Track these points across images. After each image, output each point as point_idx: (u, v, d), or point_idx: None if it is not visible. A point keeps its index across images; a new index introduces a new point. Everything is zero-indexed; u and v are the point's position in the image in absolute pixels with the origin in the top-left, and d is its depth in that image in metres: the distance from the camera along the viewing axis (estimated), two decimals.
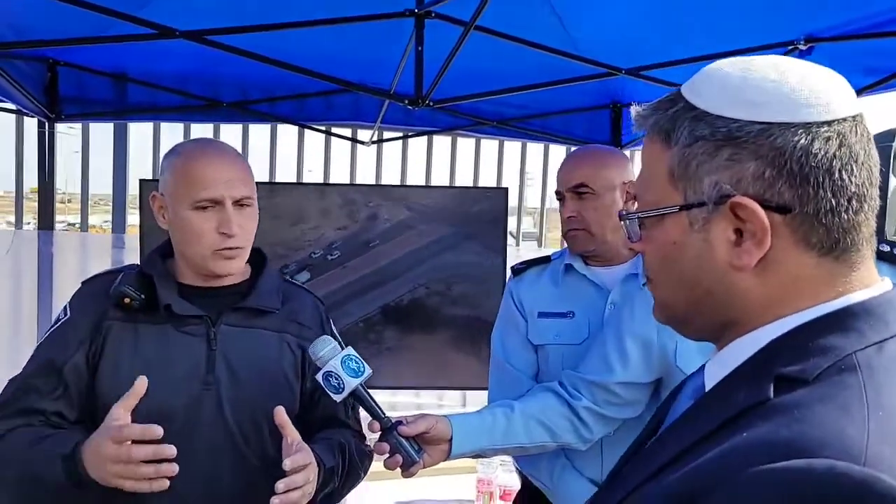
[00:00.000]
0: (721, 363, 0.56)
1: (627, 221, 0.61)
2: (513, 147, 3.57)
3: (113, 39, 1.76)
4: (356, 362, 1.05)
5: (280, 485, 0.98)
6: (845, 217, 0.51)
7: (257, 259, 1.22)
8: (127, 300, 1.09)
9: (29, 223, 3.10)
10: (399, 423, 1.08)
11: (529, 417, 1.22)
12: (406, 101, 1.97)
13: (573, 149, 2.47)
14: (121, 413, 0.97)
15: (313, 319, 1.21)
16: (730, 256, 0.53)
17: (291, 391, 1.16)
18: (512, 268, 1.51)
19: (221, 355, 1.10)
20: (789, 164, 0.50)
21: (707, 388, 0.57)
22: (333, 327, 1.25)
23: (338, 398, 1.05)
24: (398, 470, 1.11)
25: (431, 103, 1.98)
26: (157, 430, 0.95)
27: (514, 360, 1.40)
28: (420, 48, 1.89)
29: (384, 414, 1.08)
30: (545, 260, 1.47)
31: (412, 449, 1.07)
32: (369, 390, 1.09)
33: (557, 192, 1.40)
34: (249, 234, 1.14)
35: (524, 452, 1.27)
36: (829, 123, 0.51)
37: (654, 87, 2.11)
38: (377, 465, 1.15)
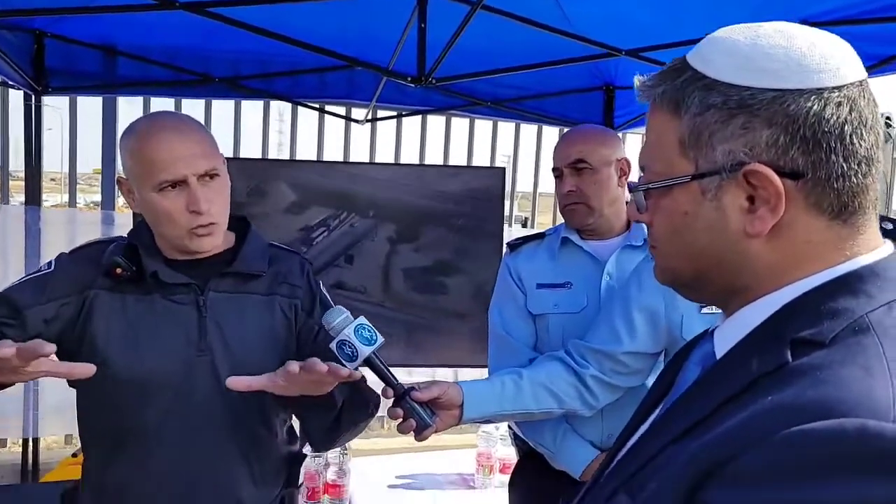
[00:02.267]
0: (732, 330, 0.56)
1: (637, 193, 0.61)
2: (506, 128, 3.58)
3: (111, 10, 1.72)
4: (369, 331, 1.06)
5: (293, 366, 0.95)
6: (855, 181, 0.52)
7: (241, 226, 1.21)
8: (119, 270, 1.08)
9: (16, 203, 3.01)
10: (412, 388, 1.10)
11: (537, 384, 1.25)
12: (409, 79, 1.96)
13: (566, 130, 2.50)
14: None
15: (302, 279, 1.20)
16: (743, 223, 0.53)
17: (287, 352, 1.15)
18: (508, 243, 1.54)
19: (213, 322, 1.10)
20: (803, 130, 0.50)
21: (718, 355, 0.57)
22: (322, 288, 1.25)
23: (351, 366, 1.06)
24: (402, 444, 1.12)
25: (434, 81, 1.98)
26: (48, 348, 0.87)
27: (513, 330, 1.43)
28: (423, 26, 1.88)
29: (397, 381, 1.10)
30: (540, 236, 1.51)
31: (425, 414, 1.10)
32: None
33: (555, 169, 1.44)
34: (221, 207, 1.11)
35: (531, 418, 1.30)
36: (839, 88, 0.51)
37: (649, 69, 2.13)
38: (381, 440, 1.16)
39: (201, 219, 1.07)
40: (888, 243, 0.56)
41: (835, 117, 0.50)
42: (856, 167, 0.51)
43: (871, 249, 0.53)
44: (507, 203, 3.16)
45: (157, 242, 1.14)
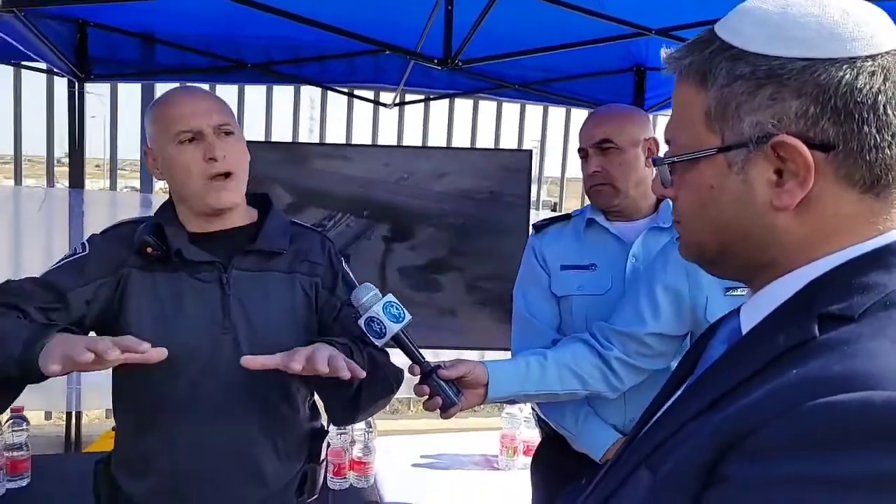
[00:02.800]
0: (758, 305, 0.55)
1: (662, 168, 0.60)
2: (534, 111, 3.55)
3: None
4: (397, 308, 1.08)
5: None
6: (888, 153, 0.50)
7: (263, 202, 1.24)
8: (149, 249, 1.12)
9: (60, 187, 3.13)
10: (438, 366, 1.12)
11: (562, 366, 1.25)
12: (435, 62, 1.97)
13: (592, 110, 2.46)
14: (113, 349, 0.90)
15: (323, 256, 1.22)
16: (770, 197, 0.52)
17: (308, 330, 1.18)
18: (534, 224, 1.54)
19: (237, 300, 1.13)
20: (833, 100, 0.49)
21: (744, 331, 0.56)
22: (345, 265, 1.27)
23: (379, 343, 1.08)
24: (427, 425, 1.14)
25: (461, 63, 1.98)
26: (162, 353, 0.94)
27: (537, 312, 1.44)
28: (450, 7, 1.88)
29: (424, 358, 1.11)
30: (566, 217, 1.51)
31: (451, 391, 1.11)
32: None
33: (580, 150, 1.42)
34: (238, 161, 1.14)
35: (555, 399, 1.30)
36: (872, 57, 0.49)
37: None
38: (407, 422, 1.17)
39: (217, 166, 1.11)
40: None
41: (868, 87, 0.49)
42: (889, 139, 0.49)
43: None
44: (534, 187, 3.14)
45: (180, 214, 1.18)
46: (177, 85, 3.05)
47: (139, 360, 0.94)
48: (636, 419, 1.43)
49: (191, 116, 1.11)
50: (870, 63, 0.49)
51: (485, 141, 3.41)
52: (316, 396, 1.25)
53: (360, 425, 1.88)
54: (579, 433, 1.37)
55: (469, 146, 3.34)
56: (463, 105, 3.31)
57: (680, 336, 1.30)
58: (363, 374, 1.02)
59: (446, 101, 3.22)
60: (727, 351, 0.56)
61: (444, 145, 3.25)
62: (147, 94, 2.94)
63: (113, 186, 3.22)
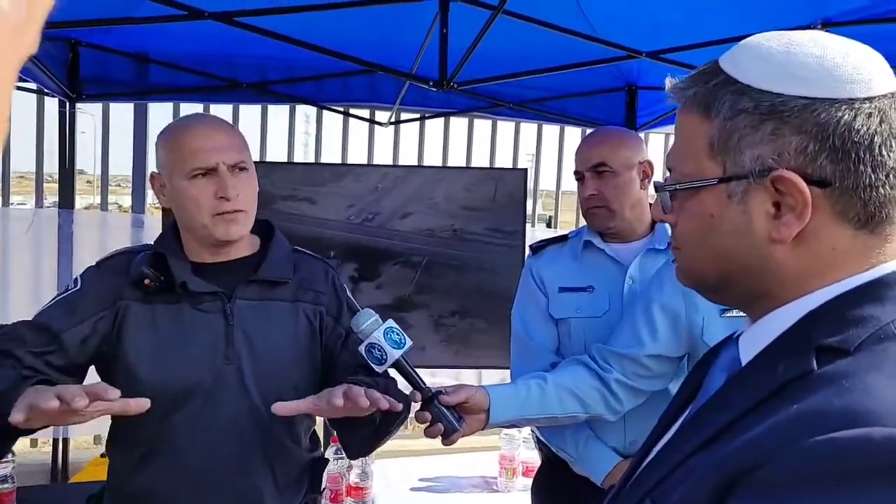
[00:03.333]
0: (756, 336, 0.57)
1: (663, 194, 0.61)
2: (528, 129, 3.57)
3: (141, 21, 1.77)
4: (398, 334, 1.07)
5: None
6: (882, 192, 0.52)
7: (266, 230, 1.23)
8: (147, 281, 1.10)
9: (49, 204, 3.10)
10: (440, 392, 1.11)
11: (562, 389, 1.25)
12: (430, 84, 1.98)
13: (588, 131, 2.48)
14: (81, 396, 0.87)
15: (326, 285, 1.21)
16: (768, 229, 0.53)
17: (312, 359, 1.17)
18: (531, 246, 1.54)
19: (240, 330, 1.12)
20: (832, 139, 0.51)
21: (743, 361, 0.57)
22: (348, 293, 1.26)
23: (380, 369, 1.07)
24: (425, 445, 1.13)
25: (456, 86, 1.99)
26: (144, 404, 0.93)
27: (536, 334, 1.44)
28: (445, 31, 1.89)
29: (425, 384, 1.10)
30: (563, 238, 1.51)
31: (453, 417, 1.10)
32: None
33: (576, 172, 1.44)
34: (249, 199, 1.14)
35: (556, 423, 1.29)
36: (870, 100, 0.51)
37: (670, 70, 2.12)
38: (403, 442, 1.16)
39: (228, 205, 1.10)
40: None
41: (865, 128, 0.51)
42: (884, 178, 0.51)
43: None
44: (529, 202, 3.15)
45: (185, 244, 1.16)
46: (170, 105, 3.07)
47: (118, 411, 0.91)
48: (637, 441, 1.43)
49: (207, 152, 1.09)
50: (867, 105, 0.51)
51: (480, 157, 3.42)
52: (317, 426, 1.24)
53: None
54: (580, 456, 1.37)
55: (465, 163, 3.35)
56: (458, 123, 3.32)
57: (677, 357, 1.30)
58: (400, 406, 1.00)
59: (441, 119, 3.23)
60: (726, 382, 0.57)
61: (440, 163, 3.25)
62: (140, 113, 2.93)
63: (104, 206, 3.19)
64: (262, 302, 1.15)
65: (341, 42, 2.15)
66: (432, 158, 3.25)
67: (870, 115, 0.51)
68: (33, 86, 2.35)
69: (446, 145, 3.36)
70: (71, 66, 2.40)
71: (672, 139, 0.65)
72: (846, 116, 0.51)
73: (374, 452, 1.97)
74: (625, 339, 1.29)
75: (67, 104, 2.56)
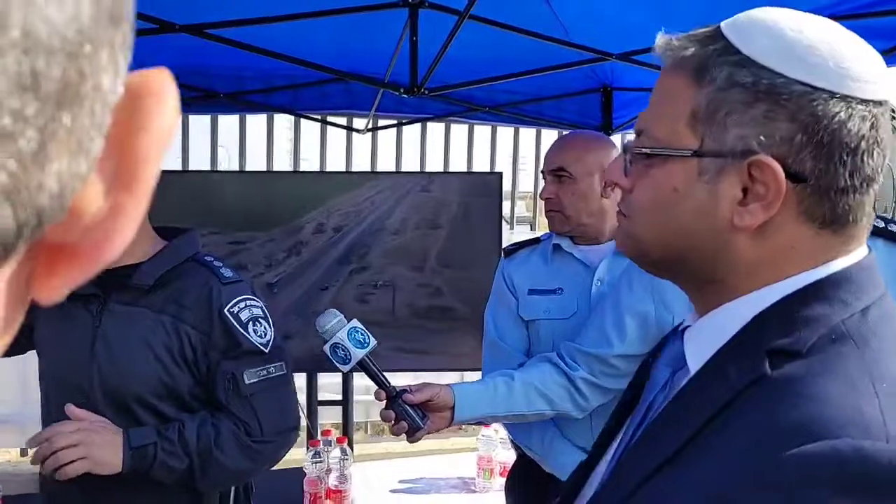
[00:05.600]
0: (703, 333, 0.55)
1: (626, 155, 0.57)
2: (505, 132, 3.61)
3: None
4: (362, 334, 1.10)
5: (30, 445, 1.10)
6: (854, 198, 0.50)
7: (175, 237, 1.21)
8: None
9: None
10: (404, 391, 1.13)
11: (529, 386, 1.27)
12: (401, 91, 2.01)
13: (565, 133, 2.52)
14: None
15: (198, 301, 1.16)
16: (731, 214, 0.50)
17: (166, 370, 1.14)
18: (504, 249, 1.56)
19: (102, 332, 1.16)
20: (822, 134, 0.48)
21: (688, 359, 0.55)
22: (233, 317, 1.16)
23: (345, 369, 1.10)
24: (399, 448, 1.16)
25: (427, 92, 2.02)
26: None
27: (506, 336, 1.46)
28: (414, 38, 1.92)
29: (389, 383, 1.13)
30: (535, 241, 1.53)
31: (417, 416, 1.13)
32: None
33: (542, 173, 1.47)
34: None
35: (523, 420, 1.31)
36: (866, 102, 0.49)
37: (644, 71, 2.16)
38: (383, 445, 1.19)
39: None
40: (864, 245, 0.54)
41: (856, 130, 0.48)
42: (858, 184, 0.49)
43: (848, 253, 0.52)
44: (507, 204, 3.17)
45: None
46: None
47: None
48: None
49: None
50: (863, 107, 0.49)
51: (457, 163, 3.45)
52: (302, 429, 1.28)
53: (335, 452, 1.87)
54: (545, 454, 1.39)
55: (442, 168, 3.38)
56: (435, 128, 3.36)
57: (646, 355, 1.32)
58: (68, 473, 1.05)
59: (419, 125, 3.26)
60: (681, 391, 0.55)
61: (418, 168, 3.28)
62: None
63: None
64: (131, 308, 1.16)
65: (316, 51, 2.17)
66: (410, 164, 3.28)
67: (863, 117, 0.48)
68: None
69: (423, 151, 3.39)
70: None
71: None
72: (842, 114, 0.48)
73: (354, 455, 2.00)
74: (592, 338, 1.31)
75: None
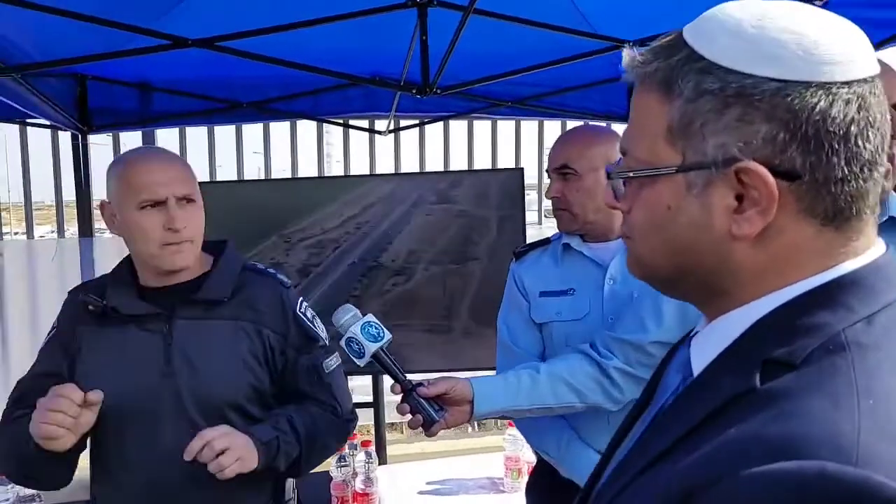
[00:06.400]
0: (708, 341, 0.53)
1: (615, 180, 0.56)
2: (530, 126, 3.56)
3: (130, 53, 1.84)
4: (376, 328, 1.11)
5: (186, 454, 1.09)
6: (855, 186, 0.47)
7: (219, 250, 1.28)
8: (91, 307, 1.19)
9: (72, 232, 3.25)
10: (420, 384, 1.12)
11: (556, 378, 1.23)
12: (414, 91, 2.00)
13: (593, 124, 2.47)
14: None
15: (273, 306, 1.25)
16: (729, 225, 0.49)
17: (255, 375, 1.21)
18: (514, 251, 1.52)
19: (178, 348, 1.17)
20: (805, 127, 0.46)
21: (693, 365, 0.54)
22: (302, 313, 1.28)
23: (360, 363, 1.12)
24: (435, 448, 1.16)
25: (439, 91, 2.00)
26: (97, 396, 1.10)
27: (520, 340, 1.42)
28: (424, 37, 1.91)
29: (405, 376, 1.12)
30: (545, 242, 1.49)
31: (432, 409, 1.11)
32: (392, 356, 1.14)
33: (547, 171, 1.42)
34: (196, 229, 1.20)
35: (550, 413, 1.26)
36: (848, 84, 0.46)
37: None
38: (405, 447, 1.19)
39: (175, 236, 1.16)
40: (879, 244, 0.51)
41: (841, 116, 0.46)
42: (857, 171, 0.47)
43: (857, 255, 0.49)
44: (536, 199, 3.12)
45: (137, 269, 1.24)
46: (176, 130, 3.17)
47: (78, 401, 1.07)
48: None
49: (157, 185, 1.16)
50: (845, 90, 0.46)
51: (482, 160, 3.42)
52: None
53: (360, 456, 1.89)
54: (562, 458, 1.35)
55: (466, 166, 3.35)
56: (458, 126, 3.34)
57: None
58: (227, 475, 1.10)
59: (441, 124, 3.25)
60: (679, 395, 0.55)
61: (442, 168, 3.27)
62: (148, 140, 3.04)
63: None
64: (202, 321, 1.20)
65: (333, 57, 2.19)
66: (434, 163, 3.27)
67: (848, 101, 0.46)
68: (46, 122, 2.46)
69: (447, 149, 3.37)
70: (80, 99, 2.51)
71: None
72: (822, 103, 0.46)
73: (388, 456, 2.02)
74: (629, 325, 1.26)
75: (80, 137, 2.68)
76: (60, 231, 3.21)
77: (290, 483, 1.33)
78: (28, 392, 1.19)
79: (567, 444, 1.35)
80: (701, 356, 0.54)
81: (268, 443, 1.15)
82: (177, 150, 3.22)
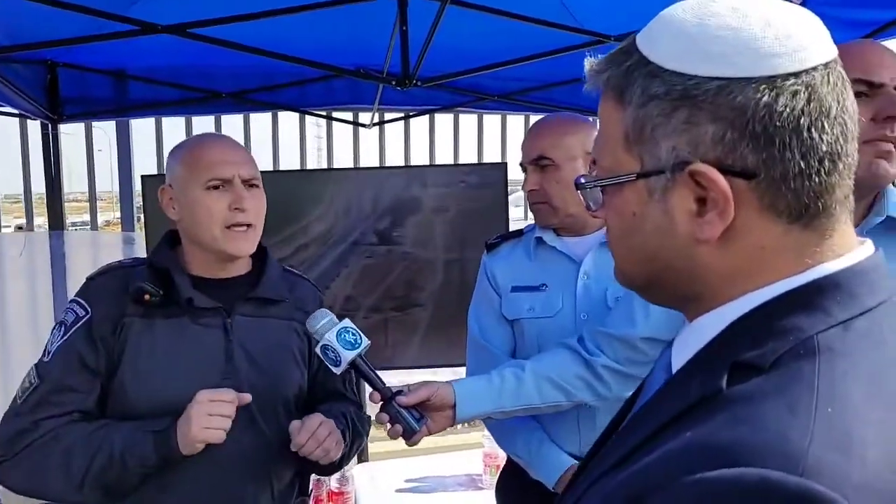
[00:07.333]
0: (686, 343, 0.53)
1: (586, 189, 0.56)
2: (516, 121, 3.52)
3: (98, 38, 1.79)
4: (353, 334, 1.07)
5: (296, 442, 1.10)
6: (816, 180, 0.46)
7: (259, 251, 1.24)
8: (147, 296, 1.11)
9: (41, 226, 3.17)
10: (399, 392, 1.09)
11: (541, 377, 1.20)
12: (394, 82, 1.96)
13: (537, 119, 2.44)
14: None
15: (315, 306, 1.24)
16: (692, 228, 0.48)
17: (301, 374, 1.21)
18: (486, 243, 1.46)
19: (239, 345, 1.14)
20: (752, 124, 0.45)
21: (673, 366, 0.54)
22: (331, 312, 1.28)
23: (337, 370, 1.08)
24: (405, 446, 1.15)
25: (419, 82, 1.97)
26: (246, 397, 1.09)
27: (490, 337, 1.38)
28: (404, 28, 1.87)
29: (384, 384, 1.09)
30: (518, 234, 1.44)
31: (412, 418, 1.08)
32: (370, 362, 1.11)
33: (521, 165, 1.36)
34: (260, 214, 1.18)
35: (538, 412, 1.24)
36: (796, 75, 0.45)
37: None
38: (387, 444, 1.18)
39: (241, 216, 1.13)
40: (866, 244, 0.50)
41: (788, 109, 0.45)
42: (817, 164, 0.46)
43: (839, 255, 0.48)
44: (522, 194, 3.09)
45: (187, 258, 1.18)
46: (152, 120, 3.10)
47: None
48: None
49: (224, 164, 1.14)
50: (792, 81, 0.45)
51: (467, 154, 3.39)
52: None
53: None
54: (531, 460, 1.32)
55: (452, 160, 3.32)
56: (443, 120, 3.30)
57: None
58: (332, 458, 1.13)
59: (426, 117, 3.20)
60: (653, 396, 0.54)
61: (427, 162, 3.23)
62: (122, 130, 2.97)
63: (94, 225, 3.25)
64: (259, 318, 1.18)
65: (316, 48, 2.15)
66: (419, 157, 3.23)
67: (795, 93, 0.45)
68: (15, 110, 2.39)
69: (432, 143, 3.33)
70: (50, 87, 2.43)
71: None
72: (766, 98, 0.45)
73: (370, 454, 1.98)
74: (618, 320, 1.22)
75: (50, 126, 2.61)
76: (30, 224, 3.12)
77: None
78: (61, 389, 1.08)
79: (538, 446, 1.31)
80: (679, 357, 0.53)
81: (342, 431, 1.18)
82: (152, 142, 3.15)
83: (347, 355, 1.06)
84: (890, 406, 0.42)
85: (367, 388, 1.12)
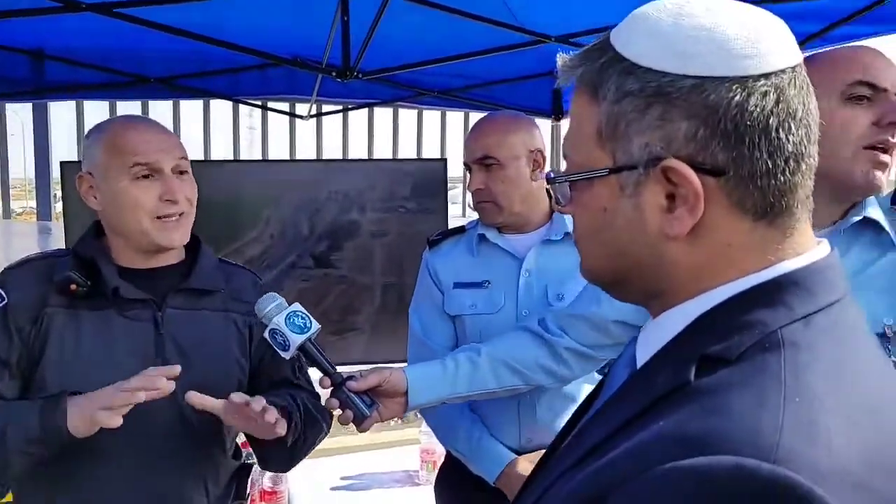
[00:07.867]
0: (650, 338, 0.54)
1: (556, 184, 0.56)
2: (455, 117, 3.55)
3: (17, 14, 1.66)
4: (302, 318, 1.04)
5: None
6: (782, 179, 0.48)
7: (192, 241, 1.19)
8: (73, 286, 1.05)
9: None
10: (350, 378, 1.06)
11: (497, 362, 1.17)
12: (334, 74, 1.92)
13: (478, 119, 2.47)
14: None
15: (255, 295, 1.17)
16: (661, 224, 0.49)
17: (241, 368, 1.16)
18: (428, 239, 1.46)
19: (170, 338, 1.09)
20: (723, 123, 0.46)
21: (637, 361, 0.55)
22: (280, 296, 1.25)
23: (286, 355, 1.05)
24: (344, 444, 1.12)
25: (361, 75, 1.94)
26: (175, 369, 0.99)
27: (432, 334, 1.39)
28: (346, 18, 1.84)
29: (334, 369, 1.06)
30: (460, 230, 1.44)
31: (363, 404, 1.06)
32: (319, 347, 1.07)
33: (465, 164, 1.37)
34: (191, 202, 1.12)
35: (493, 397, 1.21)
36: (766, 76, 0.47)
37: None
38: (330, 440, 1.14)
39: (174, 207, 1.07)
40: (822, 245, 0.51)
41: (758, 109, 0.46)
42: (783, 164, 0.47)
43: (798, 254, 0.49)
44: (459, 191, 3.12)
45: (113, 249, 1.11)
46: (73, 103, 2.93)
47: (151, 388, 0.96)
48: (532, 440, 1.39)
49: (152, 151, 1.06)
50: (762, 83, 0.47)
51: (407, 149, 3.38)
52: (242, 435, 1.22)
53: None
54: (472, 455, 1.33)
55: (391, 155, 3.30)
56: (383, 114, 3.28)
57: (639, 327, 1.24)
58: (282, 432, 1.02)
59: (365, 111, 3.17)
60: (616, 391, 0.54)
61: (365, 155, 3.20)
62: (39, 114, 2.79)
63: (7, 214, 3.03)
64: (193, 311, 1.12)
65: (248, 34, 2.07)
66: (357, 151, 3.19)
67: (765, 94, 0.47)
68: None
69: (371, 137, 3.31)
70: None
71: None
72: (737, 97, 0.46)
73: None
74: (584, 300, 1.21)
75: None
76: None
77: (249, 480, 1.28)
78: None
79: (478, 441, 1.32)
80: (643, 352, 0.54)
81: (288, 410, 1.09)
82: (73, 126, 2.97)
83: (296, 339, 1.03)
84: (849, 397, 0.43)
85: (318, 374, 1.10)
